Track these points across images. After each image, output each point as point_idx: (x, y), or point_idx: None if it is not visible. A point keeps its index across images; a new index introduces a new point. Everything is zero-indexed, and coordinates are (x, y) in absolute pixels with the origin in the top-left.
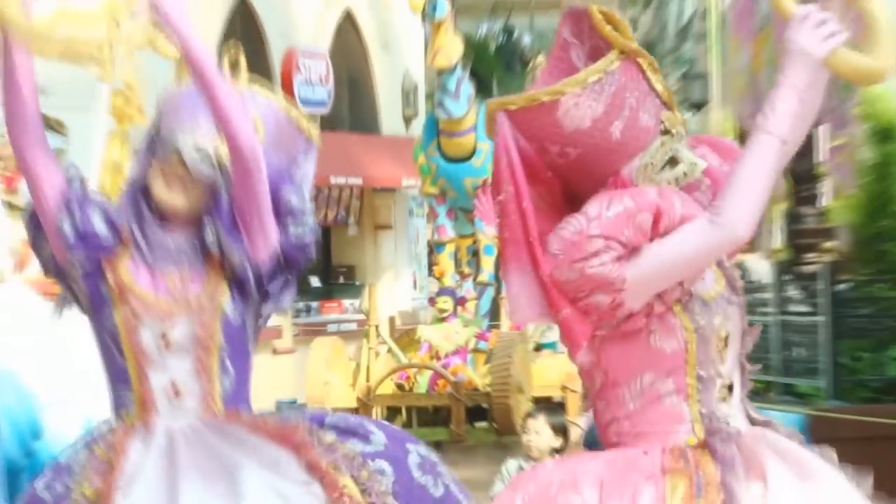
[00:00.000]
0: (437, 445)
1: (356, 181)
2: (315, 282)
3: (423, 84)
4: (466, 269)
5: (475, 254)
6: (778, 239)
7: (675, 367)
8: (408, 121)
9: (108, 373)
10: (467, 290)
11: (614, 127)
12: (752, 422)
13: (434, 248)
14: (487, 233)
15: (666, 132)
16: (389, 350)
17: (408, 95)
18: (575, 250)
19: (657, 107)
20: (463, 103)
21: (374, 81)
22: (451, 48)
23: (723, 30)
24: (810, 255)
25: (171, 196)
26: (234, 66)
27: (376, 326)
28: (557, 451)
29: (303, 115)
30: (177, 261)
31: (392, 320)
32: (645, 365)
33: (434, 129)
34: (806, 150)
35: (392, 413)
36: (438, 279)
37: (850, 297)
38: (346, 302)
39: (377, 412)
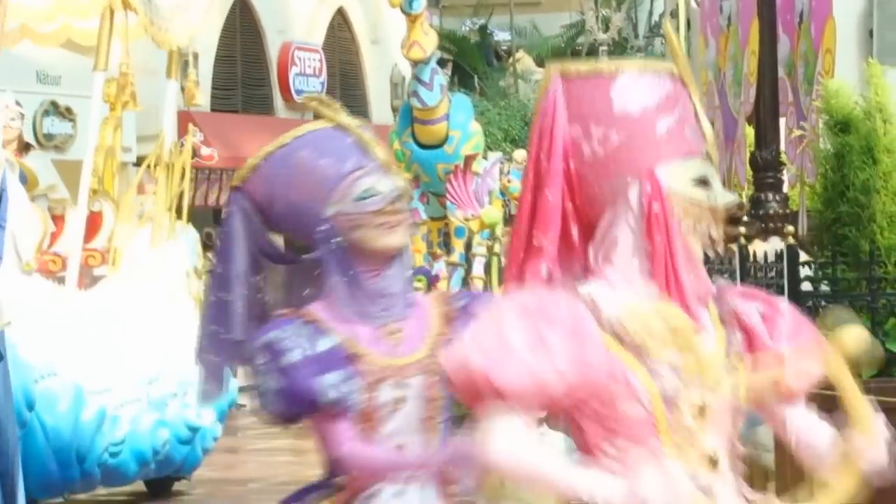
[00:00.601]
0: None
1: None
2: None
3: (410, 77)
4: (438, 251)
5: (447, 235)
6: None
7: (646, 434)
8: (396, 111)
9: None
10: (439, 269)
11: (661, 123)
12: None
13: None
14: (458, 216)
15: (707, 157)
16: None
17: (396, 87)
18: (479, 369)
19: (698, 135)
20: (436, 93)
21: (364, 74)
22: (426, 41)
23: (690, 28)
24: (774, 239)
25: (394, 239)
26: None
27: None
28: None
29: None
30: (394, 314)
31: None
32: (617, 429)
33: (408, 118)
34: (771, 140)
35: None
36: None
37: (812, 278)
38: None
39: None
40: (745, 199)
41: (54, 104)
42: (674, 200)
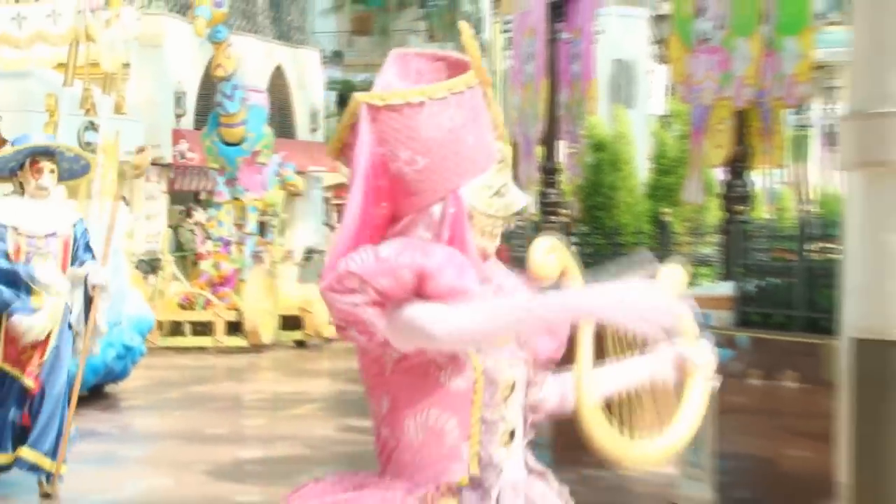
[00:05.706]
0: (201, 349)
1: None
2: None
3: (323, 109)
4: (239, 223)
5: (243, 211)
6: (535, 207)
7: (461, 406)
8: (313, 131)
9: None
10: (238, 237)
11: (466, 142)
12: (530, 470)
13: (214, 206)
14: (248, 196)
15: (501, 161)
16: (177, 277)
17: (314, 116)
18: (336, 280)
19: (493, 135)
20: (236, 103)
21: (293, 109)
22: (228, 63)
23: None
24: (553, 218)
25: None
26: None
27: (170, 260)
28: None
29: None
30: None
31: (186, 257)
32: (433, 400)
33: (216, 122)
34: (553, 155)
35: (176, 325)
36: (209, 229)
37: (578, 243)
38: None
39: (166, 323)
40: (536, 192)
41: (92, 122)
42: (474, 217)
